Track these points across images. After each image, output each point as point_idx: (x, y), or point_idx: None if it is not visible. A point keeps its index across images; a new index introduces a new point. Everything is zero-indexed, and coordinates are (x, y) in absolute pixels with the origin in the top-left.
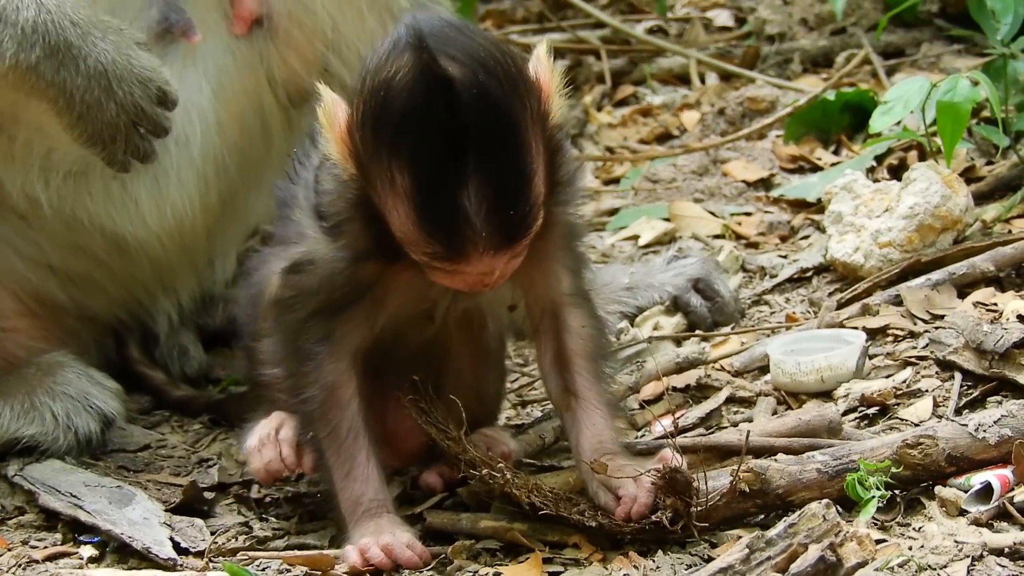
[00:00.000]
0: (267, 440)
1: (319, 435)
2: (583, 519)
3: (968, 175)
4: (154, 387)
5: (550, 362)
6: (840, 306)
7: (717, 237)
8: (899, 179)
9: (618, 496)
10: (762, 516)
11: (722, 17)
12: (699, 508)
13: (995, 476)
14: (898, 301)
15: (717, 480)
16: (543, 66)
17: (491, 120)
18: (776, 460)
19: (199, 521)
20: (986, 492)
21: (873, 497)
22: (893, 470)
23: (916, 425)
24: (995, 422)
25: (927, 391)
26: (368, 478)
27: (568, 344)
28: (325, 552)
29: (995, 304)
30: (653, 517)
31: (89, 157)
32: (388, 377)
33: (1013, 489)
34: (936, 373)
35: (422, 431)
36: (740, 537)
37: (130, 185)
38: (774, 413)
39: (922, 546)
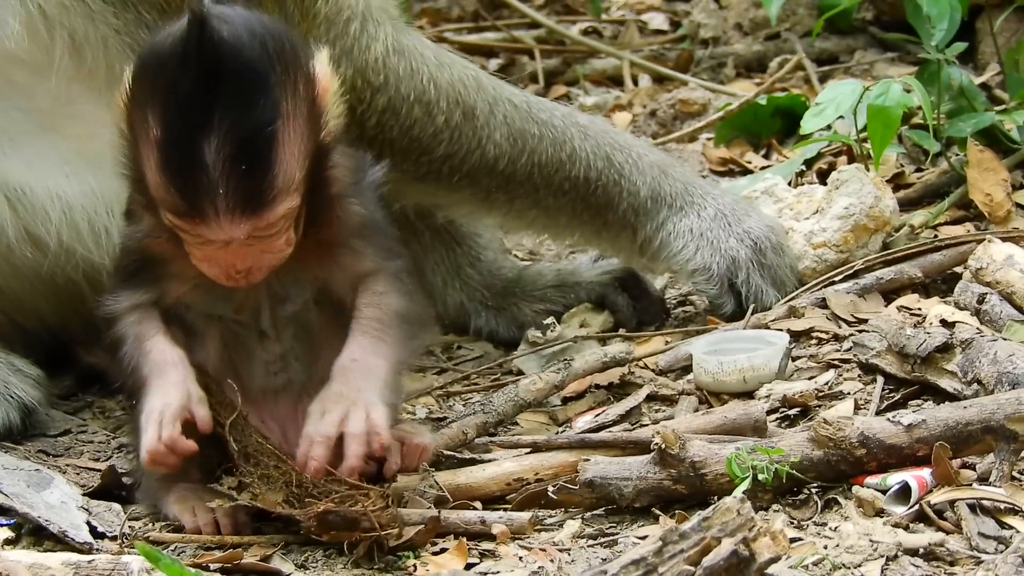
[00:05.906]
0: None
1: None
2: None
3: (897, 181)
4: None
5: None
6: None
7: None
8: (825, 183)
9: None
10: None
11: (657, 20)
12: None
13: (912, 477)
14: (824, 304)
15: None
16: (323, 67)
17: (244, 76)
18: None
19: (116, 506)
20: (904, 492)
21: (747, 477)
22: (806, 451)
23: None
24: (911, 411)
25: (849, 393)
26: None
27: (361, 306)
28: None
29: (919, 309)
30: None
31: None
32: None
33: (932, 491)
34: (859, 376)
35: None
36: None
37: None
38: (696, 411)
39: (837, 545)
